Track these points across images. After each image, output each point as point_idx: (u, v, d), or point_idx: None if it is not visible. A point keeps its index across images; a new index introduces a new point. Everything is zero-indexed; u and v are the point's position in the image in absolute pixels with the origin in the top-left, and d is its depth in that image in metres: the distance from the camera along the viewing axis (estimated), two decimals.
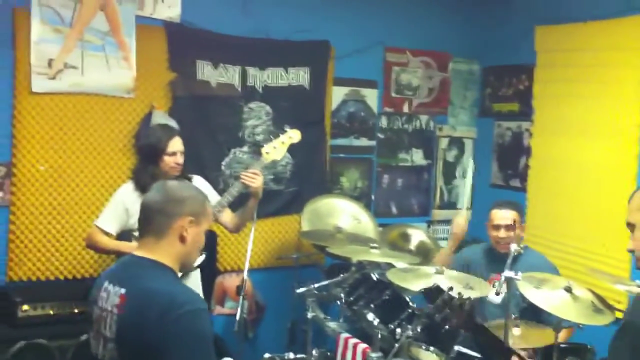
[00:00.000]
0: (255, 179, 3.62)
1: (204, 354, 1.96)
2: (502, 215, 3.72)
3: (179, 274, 2.17)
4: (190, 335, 1.92)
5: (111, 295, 2.05)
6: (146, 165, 3.55)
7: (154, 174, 3.43)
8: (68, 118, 3.99)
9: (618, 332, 1.78)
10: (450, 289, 2.08)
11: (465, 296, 2.04)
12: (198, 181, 3.68)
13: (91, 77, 4.00)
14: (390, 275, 3.25)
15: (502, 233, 3.70)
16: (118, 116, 4.12)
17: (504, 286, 2.97)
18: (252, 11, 4.45)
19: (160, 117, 4.18)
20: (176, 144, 3.53)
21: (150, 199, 2.14)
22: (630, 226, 1.94)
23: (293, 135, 3.79)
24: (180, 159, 3.53)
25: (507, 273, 2.70)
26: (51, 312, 3.65)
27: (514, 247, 2.98)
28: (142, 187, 3.44)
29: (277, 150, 3.74)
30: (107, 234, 3.49)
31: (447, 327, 2.10)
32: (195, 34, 4.30)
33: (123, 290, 2.02)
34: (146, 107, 4.19)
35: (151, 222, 2.10)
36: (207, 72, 4.39)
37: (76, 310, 3.69)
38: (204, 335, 1.96)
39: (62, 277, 3.99)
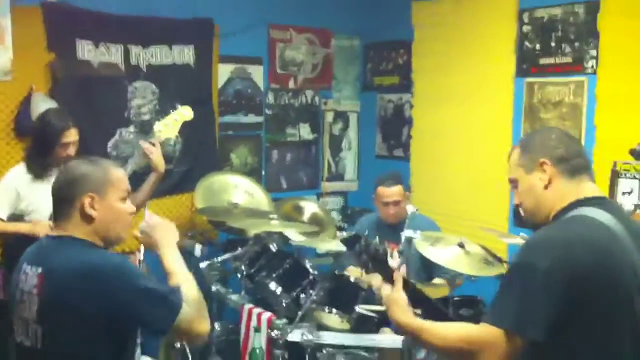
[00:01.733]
0: (153, 150, 3.58)
1: (152, 297, 1.94)
2: (389, 193, 3.82)
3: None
4: (125, 292, 1.91)
5: (29, 276, 2.00)
6: (38, 151, 3.51)
7: (46, 162, 3.45)
8: None
9: (505, 274, 1.93)
10: (367, 235, 2.23)
11: (379, 244, 2.21)
12: None
13: None
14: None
15: (391, 209, 3.84)
16: None
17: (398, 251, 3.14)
18: None
19: (41, 100, 4.02)
20: (70, 135, 3.49)
21: (53, 185, 2.12)
22: (512, 182, 2.05)
23: (185, 112, 3.74)
24: (72, 150, 3.49)
25: (407, 232, 2.84)
26: None
27: (410, 208, 3.13)
28: (34, 173, 3.47)
29: (169, 128, 3.69)
30: None
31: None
32: (73, 12, 4.15)
33: (40, 269, 1.98)
34: (25, 89, 4.00)
35: (58, 208, 2.08)
36: (88, 52, 4.25)
37: None
38: (137, 284, 1.94)
39: None
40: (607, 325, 1.74)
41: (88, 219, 2.04)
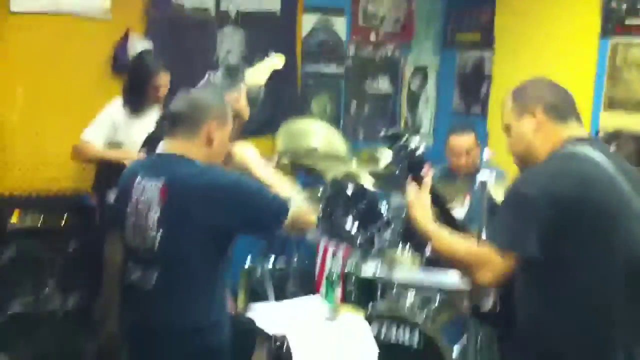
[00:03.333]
0: (239, 100, 3.71)
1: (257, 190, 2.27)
2: (459, 141, 3.90)
3: None
4: (244, 205, 2.21)
5: (147, 188, 2.23)
6: (132, 90, 3.77)
7: (140, 100, 3.72)
8: (46, 38, 4.03)
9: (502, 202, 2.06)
10: (405, 135, 2.34)
11: (417, 144, 2.32)
12: None
13: None
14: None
15: (462, 160, 3.90)
16: (95, 37, 4.17)
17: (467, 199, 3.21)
18: None
19: (137, 40, 4.25)
20: (161, 79, 3.73)
21: (176, 107, 2.33)
22: (506, 128, 2.19)
23: (276, 61, 3.75)
24: (162, 93, 3.74)
25: (482, 176, 2.92)
26: (39, 224, 3.75)
27: (488, 153, 3.20)
28: (129, 109, 3.73)
29: (259, 73, 3.71)
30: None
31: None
32: None
33: (161, 182, 2.20)
34: (122, 30, 4.24)
35: (179, 126, 2.29)
36: None
37: (63, 223, 3.80)
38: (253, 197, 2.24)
39: (50, 192, 4.07)
40: (595, 246, 1.88)
41: (210, 142, 2.29)
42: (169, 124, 2.34)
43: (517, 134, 2.14)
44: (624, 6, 4.17)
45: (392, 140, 2.34)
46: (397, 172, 2.42)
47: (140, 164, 2.42)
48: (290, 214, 2.22)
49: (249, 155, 2.49)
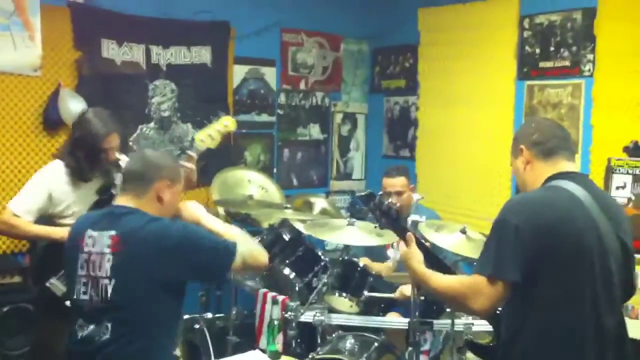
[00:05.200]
0: (191, 168, 3.49)
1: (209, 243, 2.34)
2: (392, 183, 4.02)
3: None
4: (191, 248, 2.29)
5: (98, 239, 2.30)
6: (83, 155, 3.28)
7: (91, 169, 3.30)
8: None
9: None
10: (381, 195, 2.57)
11: (393, 203, 2.56)
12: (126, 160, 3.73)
13: None
14: (307, 230, 3.54)
15: (393, 199, 4.03)
16: (25, 94, 4.15)
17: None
18: None
19: (68, 95, 4.25)
20: (112, 141, 3.30)
21: (131, 166, 2.47)
22: (511, 165, 2.39)
23: (228, 124, 3.60)
24: (112, 155, 3.28)
25: (413, 217, 3.04)
26: None
27: (416, 196, 3.35)
28: (77, 178, 3.28)
29: (211, 138, 3.54)
30: None
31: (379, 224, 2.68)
32: (99, 13, 4.39)
33: (113, 232, 2.27)
34: (53, 85, 4.24)
35: (131, 183, 2.40)
36: (112, 51, 4.49)
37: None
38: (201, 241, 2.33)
39: None
40: (570, 274, 2.03)
41: (160, 200, 2.40)
42: (122, 181, 2.45)
43: (514, 171, 2.35)
44: (538, 50, 4.45)
45: (367, 200, 2.57)
46: (377, 226, 2.69)
47: (89, 217, 2.49)
48: (238, 255, 2.30)
49: (197, 209, 2.57)
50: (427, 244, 2.77)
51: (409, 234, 2.44)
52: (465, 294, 2.08)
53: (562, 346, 2.04)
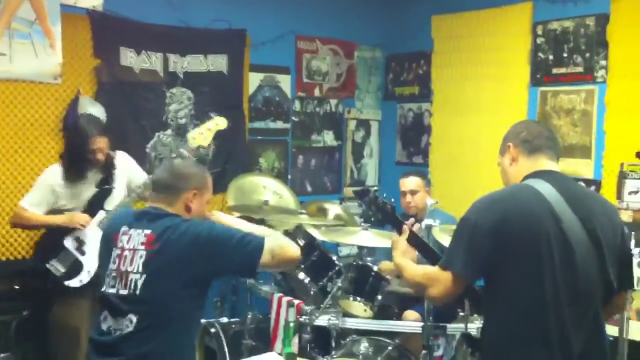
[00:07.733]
0: None
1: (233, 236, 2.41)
2: (407, 183, 4.20)
3: None
4: (221, 246, 2.38)
5: (134, 235, 2.41)
6: (71, 154, 3.77)
7: (79, 165, 3.70)
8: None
9: None
10: (376, 190, 2.68)
11: (387, 199, 2.62)
12: (122, 157, 3.92)
13: (19, 64, 4.09)
14: (323, 235, 3.59)
15: (408, 197, 4.17)
16: (45, 101, 4.24)
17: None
18: (173, 1, 4.68)
19: (87, 102, 4.33)
20: (98, 143, 3.70)
21: (159, 175, 2.56)
22: (498, 165, 2.45)
23: (219, 122, 3.88)
24: (99, 156, 3.71)
25: (427, 221, 3.10)
26: None
27: (430, 201, 3.40)
28: (69, 174, 3.70)
29: (203, 136, 3.83)
30: None
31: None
32: (118, 22, 4.48)
33: (148, 231, 2.39)
34: (72, 92, 4.32)
35: (161, 193, 2.51)
36: (131, 59, 4.57)
37: (16, 287, 3.80)
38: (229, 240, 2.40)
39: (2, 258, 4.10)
40: (527, 262, 2.09)
41: (188, 209, 2.49)
42: (153, 190, 2.56)
43: (501, 169, 2.41)
44: (551, 57, 4.48)
45: (362, 196, 2.65)
46: (372, 220, 2.69)
47: (125, 214, 2.62)
48: (267, 249, 2.36)
49: (225, 216, 2.73)
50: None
51: (404, 226, 2.49)
52: (424, 281, 2.22)
53: (524, 337, 2.10)
